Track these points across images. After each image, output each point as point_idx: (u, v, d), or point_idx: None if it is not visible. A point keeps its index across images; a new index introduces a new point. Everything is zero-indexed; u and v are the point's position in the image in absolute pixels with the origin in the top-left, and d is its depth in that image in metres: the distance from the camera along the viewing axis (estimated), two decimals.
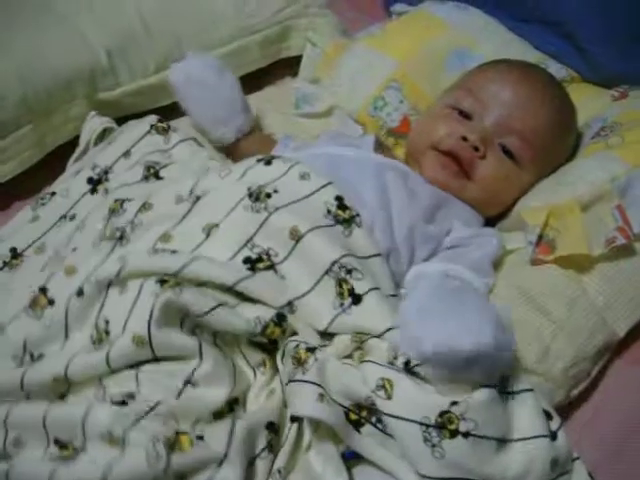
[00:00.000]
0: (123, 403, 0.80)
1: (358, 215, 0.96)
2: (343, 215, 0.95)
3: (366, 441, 0.81)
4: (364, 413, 0.81)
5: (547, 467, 0.80)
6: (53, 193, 1.15)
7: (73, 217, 1.09)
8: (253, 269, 0.89)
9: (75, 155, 1.22)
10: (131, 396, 0.81)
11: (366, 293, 0.89)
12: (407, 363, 0.81)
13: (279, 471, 0.79)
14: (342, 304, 0.88)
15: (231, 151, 1.29)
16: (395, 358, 0.82)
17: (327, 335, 0.89)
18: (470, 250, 1.04)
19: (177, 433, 0.77)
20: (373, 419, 0.81)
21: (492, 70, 1.17)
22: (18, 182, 1.26)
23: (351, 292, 0.89)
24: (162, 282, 0.84)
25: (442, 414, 0.78)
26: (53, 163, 1.26)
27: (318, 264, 0.90)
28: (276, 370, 0.88)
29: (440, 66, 1.33)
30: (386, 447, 0.81)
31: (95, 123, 1.23)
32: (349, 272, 0.90)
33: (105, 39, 1.32)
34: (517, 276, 1.03)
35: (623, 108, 1.20)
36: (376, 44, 1.38)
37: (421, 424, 0.78)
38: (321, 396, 0.78)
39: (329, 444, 0.80)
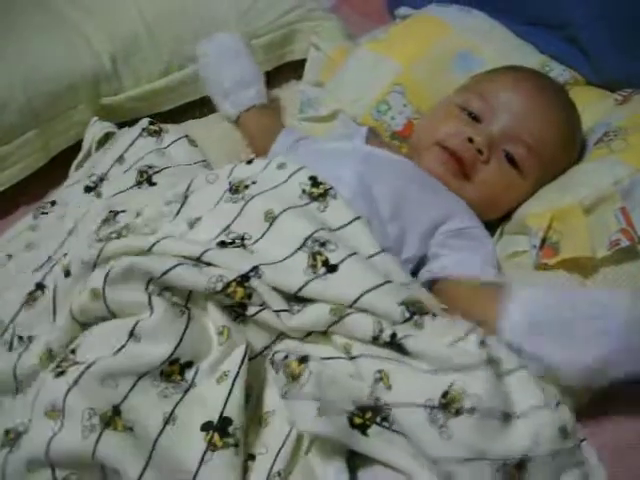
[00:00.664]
0: (60, 370, 0.81)
1: (332, 188, 0.96)
2: (317, 191, 0.96)
3: (374, 442, 0.81)
4: (368, 415, 0.81)
5: (556, 435, 0.79)
6: (53, 202, 1.15)
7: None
8: (223, 243, 0.91)
9: (77, 160, 1.22)
10: (69, 358, 0.83)
11: (342, 261, 0.88)
12: (393, 336, 0.82)
13: (279, 473, 0.79)
14: (315, 272, 0.87)
15: (240, 121, 1.33)
16: (381, 331, 0.83)
17: (297, 300, 0.88)
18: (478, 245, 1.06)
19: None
20: (378, 419, 0.81)
21: (505, 77, 1.16)
22: (23, 187, 1.27)
23: (325, 263, 0.88)
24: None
25: (445, 394, 0.78)
26: (57, 168, 1.27)
27: (291, 241, 0.90)
28: (233, 347, 0.86)
29: (444, 69, 1.33)
30: (395, 445, 0.81)
31: (97, 128, 1.23)
32: (323, 245, 0.89)
33: (109, 44, 1.33)
34: (523, 279, 1.02)
35: (627, 112, 1.20)
36: (380, 48, 1.37)
37: (425, 407, 0.78)
38: (320, 410, 0.78)
39: (331, 447, 0.80)
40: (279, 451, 0.81)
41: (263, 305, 0.87)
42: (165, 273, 0.85)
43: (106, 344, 0.83)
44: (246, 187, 0.99)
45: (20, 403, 0.86)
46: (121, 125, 1.26)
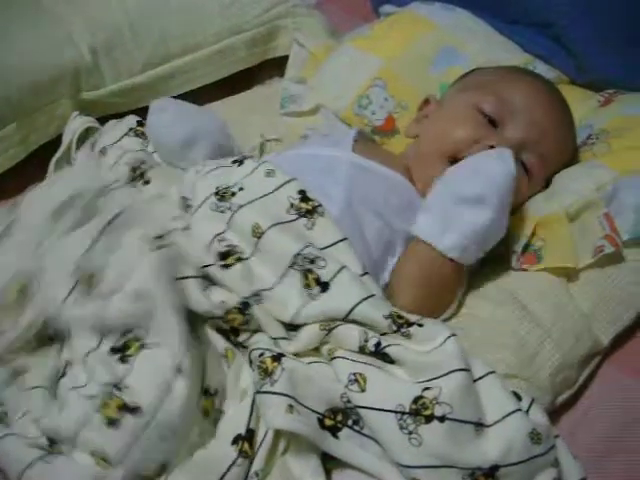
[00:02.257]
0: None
1: (320, 205, 0.95)
2: (306, 207, 0.94)
3: (345, 445, 0.80)
4: (340, 417, 0.80)
5: (527, 441, 0.78)
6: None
7: None
8: (226, 264, 0.90)
9: (57, 155, 1.21)
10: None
11: (332, 279, 0.88)
12: (378, 344, 0.82)
13: (256, 474, 0.79)
14: (310, 294, 0.88)
15: None
16: (366, 341, 0.83)
17: (293, 328, 0.88)
18: None
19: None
20: (349, 422, 0.81)
21: (524, 84, 1.13)
22: (1, 182, 1.25)
23: (317, 281, 0.88)
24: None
25: (416, 400, 0.78)
26: (37, 162, 1.25)
27: (281, 259, 0.90)
28: (241, 365, 0.87)
29: (426, 64, 1.33)
30: (366, 449, 0.80)
31: (78, 123, 1.22)
32: (312, 262, 0.89)
33: (90, 38, 1.32)
34: (506, 279, 1.03)
35: (610, 115, 1.20)
36: (362, 44, 1.37)
37: (396, 412, 0.78)
38: (290, 407, 0.77)
39: (307, 447, 0.79)
40: (256, 452, 0.80)
41: (257, 330, 0.88)
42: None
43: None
44: (233, 194, 0.97)
45: None
46: (102, 120, 1.25)
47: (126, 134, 1.17)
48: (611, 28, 1.31)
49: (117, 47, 1.34)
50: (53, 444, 0.80)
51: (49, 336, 0.89)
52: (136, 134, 1.17)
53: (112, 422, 0.76)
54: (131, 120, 1.19)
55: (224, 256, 0.91)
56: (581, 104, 1.26)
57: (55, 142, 1.26)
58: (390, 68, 1.32)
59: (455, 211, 0.95)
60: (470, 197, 0.94)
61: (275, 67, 1.51)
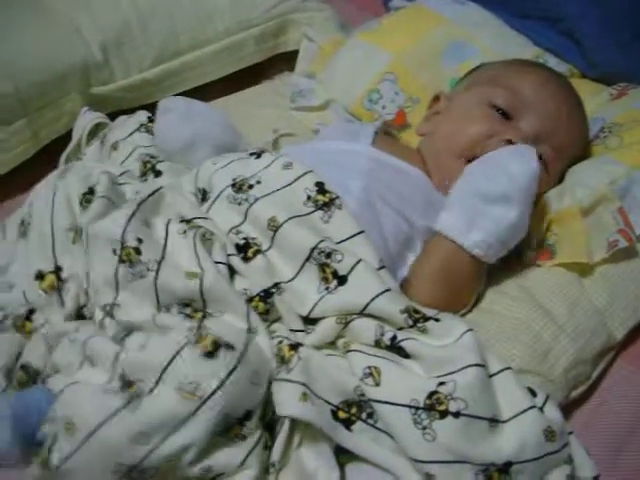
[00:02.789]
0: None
1: (338, 197, 0.94)
2: (323, 199, 0.94)
3: (358, 439, 0.80)
4: (354, 410, 0.81)
5: (541, 439, 0.78)
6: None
7: None
8: (245, 257, 0.91)
9: (67, 150, 1.21)
10: None
11: (350, 272, 0.88)
12: (394, 338, 0.82)
13: (273, 464, 0.79)
14: (327, 287, 0.88)
15: None
16: (382, 335, 0.83)
17: (310, 321, 0.89)
18: None
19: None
20: (363, 415, 0.81)
21: (535, 76, 1.12)
22: (12, 177, 1.25)
23: (335, 274, 0.88)
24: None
25: (430, 395, 0.78)
26: (46, 158, 1.25)
27: (298, 253, 0.90)
28: None
29: (437, 58, 1.32)
30: (379, 443, 0.80)
31: (87, 118, 1.22)
32: (328, 255, 0.89)
33: (100, 33, 1.32)
34: (521, 274, 1.03)
35: (622, 108, 1.20)
36: (372, 38, 1.37)
37: (410, 407, 0.78)
38: (304, 395, 0.78)
39: (321, 440, 0.79)
40: (273, 443, 0.80)
41: (276, 320, 0.88)
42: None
43: None
44: (250, 187, 0.97)
45: None
46: (112, 115, 1.25)
47: (137, 130, 1.16)
48: (621, 22, 1.30)
49: (127, 43, 1.34)
50: (128, 385, 0.76)
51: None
52: (147, 130, 1.16)
53: (208, 354, 0.75)
54: (141, 116, 1.19)
55: (242, 248, 0.92)
56: (593, 98, 1.25)
57: (65, 138, 1.26)
58: (400, 62, 1.32)
59: (481, 209, 0.94)
60: (496, 196, 0.94)
61: (285, 62, 1.51)
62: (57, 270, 0.92)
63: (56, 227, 0.94)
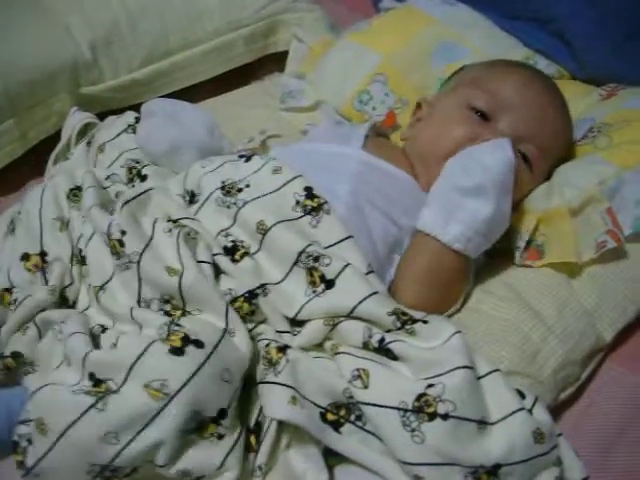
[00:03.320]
0: None
1: (326, 202, 0.94)
2: (311, 204, 0.94)
3: (347, 441, 0.80)
4: (342, 412, 0.80)
5: (530, 440, 0.78)
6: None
7: None
8: (233, 259, 0.91)
9: (56, 150, 1.20)
10: None
11: (337, 276, 0.88)
12: (382, 340, 0.82)
13: (260, 468, 0.78)
14: (315, 291, 0.88)
15: None
16: (370, 337, 0.83)
17: (297, 323, 0.89)
18: None
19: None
20: (352, 417, 0.80)
21: (516, 75, 1.12)
22: (0, 177, 1.25)
23: (322, 278, 0.88)
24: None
25: (419, 397, 0.77)
26: (35, 159, 1.25)
27: (285, 257, 0.90)
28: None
29: (426, 59, 1.32)
30: (368, 445, 0.80)
31: (76, 119, 1.21)
32: (316, 259, 0.89)
33: (89, 33, 1.32)
34: (510, 275, 1.02)
35: (611, 108, 1.20)
36: (361, 39, 1.37)
37: (399, 409, 0.77)
38: (293, 398, 0.78)
39: (310, 443, 0.79)
40: (260, 445, 0.80)
41: (262, 322, 0.88)
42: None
43: None
44: (239, 190, 0.97)
45: None
46: (101, 115, 1.24)
47: (124, 131, 1.15)
48: (612, 23, 1.30)
49: (116, 42, 1.33)
50: (97, 384, 0.76)
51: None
52: (134, 131, 1.15)
53: (176, 351, 0.76)
54: (129, 117, 1.18)
55: (230, 251, 0.91)
56: (582, 98, 1.26)
57: (54, 138, 1.26)
58: (390, 63, 1.32)
59: (457, 202, 0.95)
60: (470, 188, 0.94)
61: (275, 62, 1.51)
62: (43, 254, 0.95)
63: (44, 219, 0.97)
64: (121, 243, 0.88)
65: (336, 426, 0.80)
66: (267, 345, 0.84)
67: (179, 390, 0.74)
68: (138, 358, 0.76)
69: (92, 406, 0.73)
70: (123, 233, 0.88)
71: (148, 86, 1.36)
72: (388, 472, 0.79)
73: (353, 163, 1.05)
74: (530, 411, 0.81)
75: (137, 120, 1.17)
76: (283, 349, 0.83)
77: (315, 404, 0.80)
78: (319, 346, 0.87)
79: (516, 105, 1.07)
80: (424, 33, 1.35)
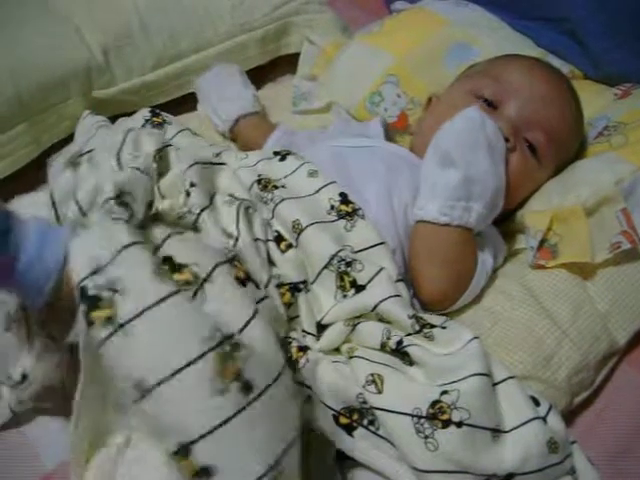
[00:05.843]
0: None
1: (360, 209, 0.95)
2: (346, 209, 0.95)
3: (359, 445, 0.80)
4: (355, 416, 0.80)
5: (545, 450, 0.78)
6: None
7: None
8: (278, 248, 0.91)
9: (64, 153, 1.20)
10: None
11: (370, 281, 0.89)
12: (399, 342, 0.82)
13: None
14: (345, 295, 0.89)
15: (232, 133, 1.33)
16: (388, 339, 0.83)
17: (322, 327, 0.89)
18: None
19: None
20: (365, 422, 0.80)
21: (518, 63, 1.12)
22: (13, 181, 1.24)
23: (353, 283, 0.89)
24: None
25: (433, 404, 0.77)
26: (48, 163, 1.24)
27: (317, 259, 0.90)
28: None
29: (439, 60, 1.32)
30: (381, 450, 0.80)
31: (89, 122, 1.21)
32: (349, 264, 0.89)
33: (101, 36, 1.32)
34: (525, 276, 1.02)
35: (627, 107, 1.19)
36: (374, 40, 1.37)
37: (412, 416, 0.77)
38: (309, 398, 0.79)
39: (321, 447, 0.79)
40: None
41: (293, 318, 0.88)
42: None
43: None
44: (275, 187, 0.98)
45: None
46: (113, 119, 1.24)
47: (143, 126, 1.16)
48: (625, 22, 1.29)
49: (128, 46, 1.33)
50: None
51: None
52: (153, 125, 1.16)
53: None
54: (145, 113, 1.18)
55: (276, 240, 0.92)
56: (597, 98, 1.25)
57: (66, 142, 1.26)
58: (402, 64, 1.31)
59: (433, 180, 0.96)
60: (438, 161, 0.95)
61: (287, 64, 1.51)
62: None
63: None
64: (187, 193, 0.85)
65: (349, 430, 0.80)
66: (289, 343, 0.84)
67: None
68: None
69: None
70: (192, 185, 0.85)
71: (160, 89, 1.36)
72: (400, 478, 0.78)
73: (381, 155, 1.06)
74: (544, 419, 0.80)
75: (153, 113, 1.18)
76: (304, 349, 0.83)
77: (328, 407, 0.80)
78: (336, 350, 0.87)
79: (522, 90, 1.06)
80: (436, 34, 1.35)
